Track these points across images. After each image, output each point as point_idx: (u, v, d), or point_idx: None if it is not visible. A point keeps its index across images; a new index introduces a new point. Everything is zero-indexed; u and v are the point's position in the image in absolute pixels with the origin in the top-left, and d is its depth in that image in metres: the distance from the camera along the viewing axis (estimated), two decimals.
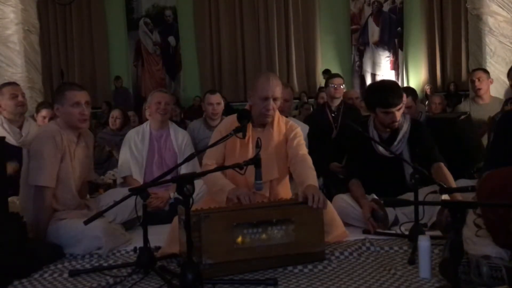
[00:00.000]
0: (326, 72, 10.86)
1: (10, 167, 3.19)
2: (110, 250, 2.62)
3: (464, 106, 4.60)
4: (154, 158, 3.51)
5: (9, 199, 2.57)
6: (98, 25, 12.25)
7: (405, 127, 2.96)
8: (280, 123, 2.73)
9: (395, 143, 2.92)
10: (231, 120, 2.70)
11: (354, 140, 3.04)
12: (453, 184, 2.74)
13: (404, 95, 3.01)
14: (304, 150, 2.69)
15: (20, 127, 3.70)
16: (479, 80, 4.42)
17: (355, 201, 2.90)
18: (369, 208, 2.77)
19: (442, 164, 2.87)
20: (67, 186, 2.76)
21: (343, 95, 4.60)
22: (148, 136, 3.55)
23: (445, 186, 2.55)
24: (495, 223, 1.93)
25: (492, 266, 1.85)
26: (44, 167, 2.63)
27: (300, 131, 2.78)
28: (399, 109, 2.86)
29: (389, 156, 2.84)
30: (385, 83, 3.07)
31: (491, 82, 4.55)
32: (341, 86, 4.42)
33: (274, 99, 2.59)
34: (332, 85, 4.38)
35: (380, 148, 2.90)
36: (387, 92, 2.87)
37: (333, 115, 4.37)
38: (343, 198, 2.95)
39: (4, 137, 2.64)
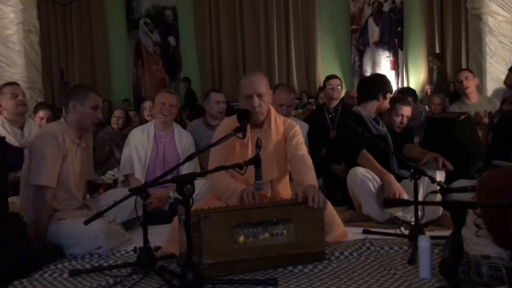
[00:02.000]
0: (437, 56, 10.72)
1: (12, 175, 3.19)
2: (110, 250, 2.62)
3: (454, 108, 4.63)
4: (156, 158, 3.51)
5: (9, 199, 2.57)
6: (98, 25, 12.25)
7: None
8: (278, 122, 2.71)
9: (381, 124, 3.28)
10: (229, 122, 2.70)
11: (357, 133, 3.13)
12: (427, 151, 3.09)
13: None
14: (303, 149, 2.68)
15: (21, 128, 3.69)
16: (466, 79, 4.46)
17: (373, 172, 2.95)
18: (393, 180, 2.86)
19: (412, 144, 3.35)
20: (67, 186, 2.76)
21: (345, 94, 4.60)
22: (153, 136, 3.55)
23: (445, 186, 2.56)
24: (495, 223, 1.93)
25: (492, 266, 1.86)
26: (45, 167, 2.63)
27: (299, 129, 2.76)
28: None
29: (380, 137, 3.14)
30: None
31: (476, 82, 4.62)
32: (338, 87, 4.42)
33: (258, 96, 2.57)
34: (330, 86, 4.40)
35: (377, 127, 3.23)
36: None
37: (330, 116, 4.37)
38: (361, 170, 2.98)
39: (4, 137, 2.64)
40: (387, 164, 3.14)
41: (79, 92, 2.81)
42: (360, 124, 3.08)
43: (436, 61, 10.25)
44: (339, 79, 4.54)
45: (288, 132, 2.71)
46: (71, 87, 3.06)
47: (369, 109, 3.28)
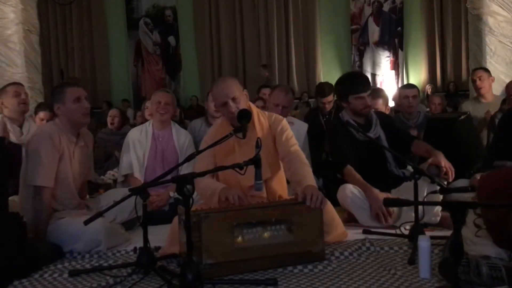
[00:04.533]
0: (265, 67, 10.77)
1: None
2: (109, 248, 2.62)
3: (466, 105, 4.59)
4: (155, 157, 3.51)
5: (10, 198, 2.57)
6: (98, 25, 12.26)
7: (374, 115, 3.20)
8: (261, 119, 2.64)
9: (373, 127, 3.12)
10: (220, 125, 2.68)
11: (339, 134, 3.17)
12: (434, 150, 2.91)
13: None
14: (294, 144, 2.61)
15: (21, 126, 3.75)
16: (480, 79, 4.42)
17: (358, 187, 2.92)
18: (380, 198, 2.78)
19: (419, 140, 3.20)
20: (66, 186, 2.76)
21: None
22: (151, 136, 3.55)
23: (444, 186, 2.56)
24: (495, 223, 1.93)
25: (492, 266, 1.86)
26: (41, 167, 2.63)
27: (286, 123, 2.70)
28: (369, 94, 3.13)
29: (372, 140, 3.01)
30: (352, 73, 3.57)
31: (493, 81, 4.54)
32: (331, 104, 4.41)
33: (233, 99, 2.51)
34: (322, 103, 4.38)
35: (366, 133, 3.06)
36: (356, 79, 3.21)
37: (324, 119, 4.38)
38: (349, 187, 2.95)
39: (4, 137, 2.65)
40: (385, 166, 3.09)
41: (56, 93, 2.80)
42: (343, 131, 3.07)
43: (264, 72, 10.48)
44: (332, 92, 4.36)
45: (275, 127, 2.64)
46: (51, 90, 3.04)
47: (349, 115, 3.15)
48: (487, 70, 4.61)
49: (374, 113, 3.24)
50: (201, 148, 2.56)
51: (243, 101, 2.57)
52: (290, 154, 2.57)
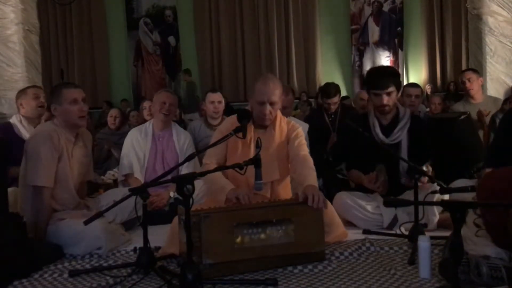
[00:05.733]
0: (187, 72, 10.81)
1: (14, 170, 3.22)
2: (110, 250, 2.62)
3: (458, 107, 4.63)
4: (155, 157, 3.52)
5: (9, 189, 2.57)
6: (98, 25, 12.24)
7: (406, 118, 2.99)
8: (282, 124, 2.71)
9: (395, 130, 2.96)
10: (233, 120, 2.70)
11: (352, 135, 3.06)
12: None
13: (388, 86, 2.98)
14: (305, 150, 2.67)
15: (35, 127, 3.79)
16: (469, 81, 4.45)
17: (359, 182, 2.94)
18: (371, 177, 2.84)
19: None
20: (65, 185, 2.76)
21: (355, 96, 4.56)
22: (151, 136, 3.55)
23: (445, 186, 2.55)
24: (494, 224, 1.93)
25: (492, 266, 1.86)
26: (41, 167, 2.62)
27: (302, 131, 2.76)
28: (388, 93, 2.91)
29: (388, 144, 2.88)
30: (379, 67, 3.30)
31: (481, 82, 4.57)
32: (336, 104, 4.40)
33: (271, 104, 2.57)
34: (327, 104, 4.38)
35: (380, 135, 2.94)
36: (377, 74, 3.01)
37: (330, 119, 4.38)
38: (345, 196, 2.95)
39: (6, 141, 2.65)
40: (397, 174, 2.94)
41: (53, 93, 2.80)
42: (352, 133, 2.97)
43: (186, 77, 10.51)
44: (338, 93, 4.40)
45: (291, 133, 2.71)
46: (50, 90, 3.03)
47: (375, 112, 3.03)
48: (476, 71, 4.63)
49: (412, 117, 3.04)
50: (213, 139, 2.61)
51: (277, 108, 2.65)
52: (299, 157, 2.62)
